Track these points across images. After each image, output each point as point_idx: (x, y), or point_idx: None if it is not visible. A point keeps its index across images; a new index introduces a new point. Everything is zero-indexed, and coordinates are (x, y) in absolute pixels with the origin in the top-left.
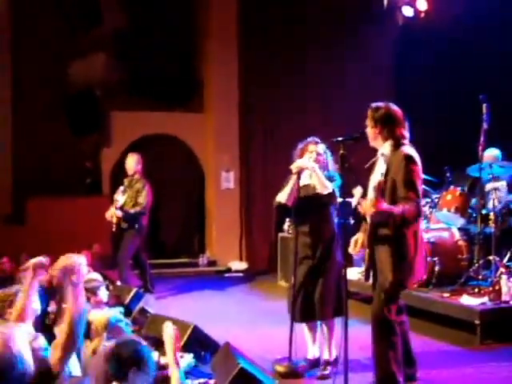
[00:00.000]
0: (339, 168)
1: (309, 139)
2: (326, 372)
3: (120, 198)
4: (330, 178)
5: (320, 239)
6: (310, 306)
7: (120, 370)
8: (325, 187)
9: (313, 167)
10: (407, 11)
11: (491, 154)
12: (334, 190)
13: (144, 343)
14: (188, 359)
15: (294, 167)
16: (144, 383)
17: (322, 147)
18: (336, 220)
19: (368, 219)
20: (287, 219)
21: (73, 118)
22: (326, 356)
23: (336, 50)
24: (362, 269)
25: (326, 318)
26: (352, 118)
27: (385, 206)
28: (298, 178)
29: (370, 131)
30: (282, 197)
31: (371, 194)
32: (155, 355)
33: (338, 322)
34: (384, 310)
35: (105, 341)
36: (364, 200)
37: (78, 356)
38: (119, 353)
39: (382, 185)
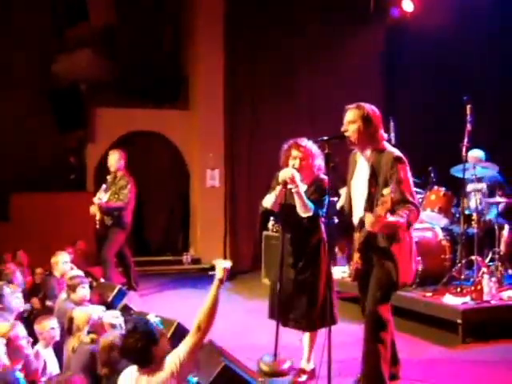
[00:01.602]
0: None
1: (290, 141)
2: (301, 380)
3: (103, 195)
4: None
5: (304, 249)
6: (294, 313)
7: (141, 357)
8: (305, 210)
9: (296, 186)
10: (395, 13)
11: (474, 155)
12: (314, 214)
13: (140, 319)
14: None
15: (280, 179)
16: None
17: (303, 150)
18: (323, 226)
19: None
20: (271, 218)
21: (58, 114)
22: (302, 365)
23: (324, 51)
24: (346, 268)
25: (311, 329)
26: (339, 117)
27: (390, 219)
28: (285, 186)
29: (356, 131)
30: (268, 202)
31: (359, 200)
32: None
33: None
34: (378, 308)
35: (84, 337)
36: (368, 214)
37: (58, 353)
38: (130, 348)
39: (374, 192)
